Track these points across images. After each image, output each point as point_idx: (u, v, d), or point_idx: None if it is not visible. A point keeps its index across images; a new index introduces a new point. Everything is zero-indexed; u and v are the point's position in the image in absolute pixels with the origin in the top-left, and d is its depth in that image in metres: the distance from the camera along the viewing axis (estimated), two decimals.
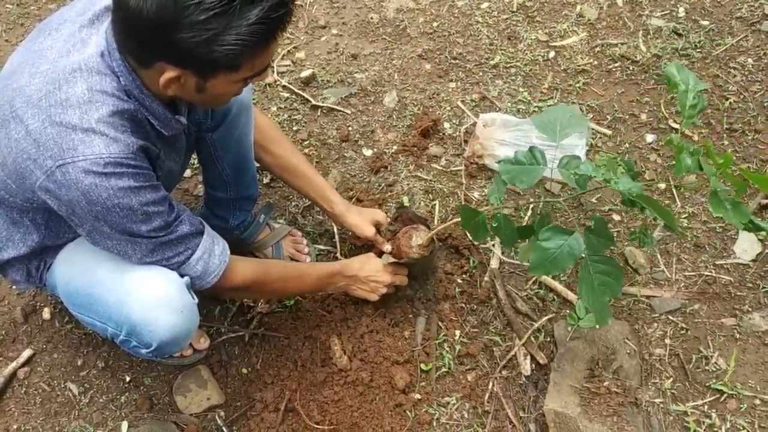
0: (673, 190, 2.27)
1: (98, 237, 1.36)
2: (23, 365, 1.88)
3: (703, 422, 1.78)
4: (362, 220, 1.96)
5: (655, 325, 1.97)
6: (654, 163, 2.34)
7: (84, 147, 1.23)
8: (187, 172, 2.35)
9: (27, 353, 1.89)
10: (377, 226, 2.00)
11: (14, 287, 1.59)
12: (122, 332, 1.45)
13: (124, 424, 1.79)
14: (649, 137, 2.41)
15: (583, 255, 1.39)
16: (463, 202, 2.24)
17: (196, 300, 1.49)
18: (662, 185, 2.28)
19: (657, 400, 1.82)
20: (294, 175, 1.94)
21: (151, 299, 1.41)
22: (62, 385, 1.86)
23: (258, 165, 1.97)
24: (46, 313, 1.98)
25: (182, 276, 1.45)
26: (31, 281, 1.61)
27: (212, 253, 1.48)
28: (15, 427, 1.78)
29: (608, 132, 2.43)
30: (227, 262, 1.51)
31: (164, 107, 1.37)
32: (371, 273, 1.89)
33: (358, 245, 2.15)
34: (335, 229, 2.20)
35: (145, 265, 1.41)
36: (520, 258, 1.64)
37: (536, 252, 1.38)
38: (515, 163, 1.48)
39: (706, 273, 2.07)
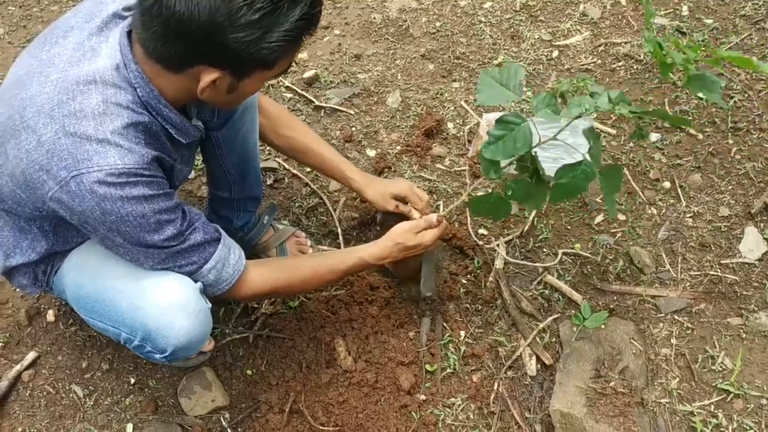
0: (678, 189, 2.26)
1: (111, 245, 1.36)
2: (28, 368, 1.87)
3: (710, 422, 1.78)
4: (381, 196, 1.89)
5: (661, 324, 1.96)
6: (659, 162, 2.33)
7: (99, 158, 1.23)
8: (191, 173, 2.35)
9: (31, 356, 1.89)
10: (400, 198, 1.90)
11: (19, 291, 1.59)
12: (137, 338, 1.44)
13: (129, 426, 1.79)
14: (654, 136, 2.41)
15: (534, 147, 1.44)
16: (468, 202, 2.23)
17: (209, 305, 1.49)
18: (667, 184, 2.28)
19: (663, 401, 1.81)
20: (307, 155, 1.93)
21: (165, 304, 1.40)
22: (67, 388, 1.86)
23: (274, 150, 2.02)
24: (51, 316, 1.97)
25: (195, 282, 1.45)
26: (37, 285, 1.61)
27: (226, 262, 1.47)
28: (20, 429, 1.78)
29: (612, 131, 2.42)
30: (241, 271, 1.51)
31: (181, 116, 1.37)
32: (407, 252, 1.72)
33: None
34: (339, 230, 2.19)
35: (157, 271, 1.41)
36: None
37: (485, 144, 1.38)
38: (496, 140, 1.38)
39: (711, 272, 2.06)
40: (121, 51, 1.28)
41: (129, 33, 1.30)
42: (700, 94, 1.29)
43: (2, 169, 1.35)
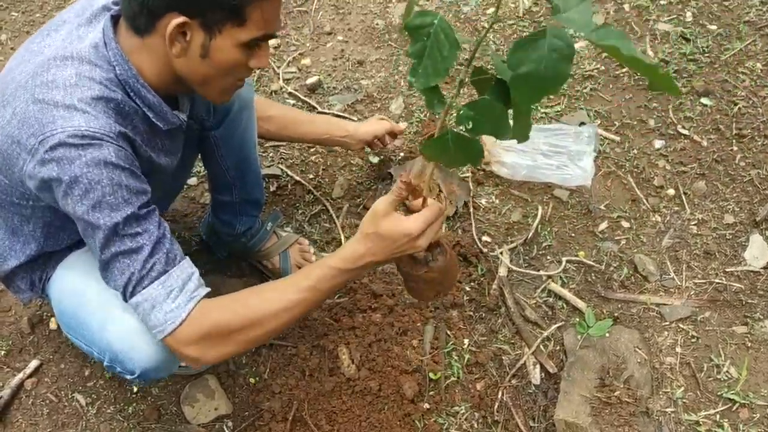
0: (683, 196, 2.25)
1: (71, 218, 1.27)
2: (30, 376, 1.87)
3: None
4: (374, 128, 2.11)
5: (666, 333, 1.96)
6: (663, 169, 2.33)
7: (63, 121, 1.20)
8: (193, 180, 2.35)
9: (34, 364, 1.88)
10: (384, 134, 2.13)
11: (20, 298, 1.58)
12: (105, 358, 1.43)
13: None
14: (658, 143, 2.40)
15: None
16: (471, 209, 2.23)
17: None
18: (671, 191, 2.27)
19: (668, 410, 1.80)
20: (296, 123, 1.98)
21: (129, 327, 1.37)
22: (69, 396, 1.85)
23: (264, 139, 2.06)
24: (53, 323, 1.97)
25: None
26: (35, 291, 1.61)
27: (158, 306, 1.25)
28: None
29: (616, 138, 2.41)
30: (176, 326, 1.25)
31: (161, 98, 1.35)
32: (393, 247, 1.25)
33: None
34: (342, 237, 2.19)
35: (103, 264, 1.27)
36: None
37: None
38: (417, 58, 0.98)
39: (716, 280, 2.05)
40: (103, 32, 1.29)
41: (114, 18, 1.32)
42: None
43: None
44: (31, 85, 1.25)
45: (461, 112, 1.03)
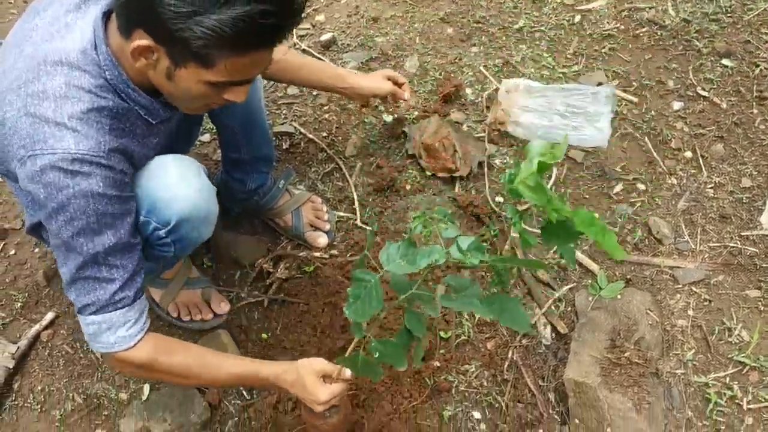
0: (700, 159, 2.22)
1: (49, 232, 1.33)
2: (46, 327, 1.90)
3: (725, 394, 1.77)
4: (378, 82, 2.04)
5: (678, 296, 1.95)
6: (681, 131, 2.29)
7: (54, 141, 1.23)
8: (206, 137, 2.34)
9: (50, 316, 1.91)
10: (391, 79, 2.06)
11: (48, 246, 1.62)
12: (142, 212, 1.41)
13: (146, 387, 1.81)
14: (677, 105, 2.36)
15: None
16: (486, 170, 2.21)
17: (215, 189, 1.52)
18: (689, 154, 2.24)
19: (678, 372, 1.81)
20: (301, 68, 1.95)
21: (170, 173, 1.42)
22: (85, 348, 1.88)
23: (264, 79, 2.04)
24: None
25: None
26: None
27: (113, 329, 1.37)
28: (39, 387, 1.80)
29: (634, 99, 2.38)
30: (123, 349, 1.38)
31: (151, 97, 1.36)
32: (305, 394, 1.49)
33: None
34: (355, 195, 2.18)
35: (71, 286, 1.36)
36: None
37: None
38: (354, 300, 1.27)
39: (731, 244, 2.04)
40: (94, 32, 1.28)
41: (106, 14, 1.30)
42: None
43: None
44: (23, 94, 1.26)
45: (372, 344, 1.35)
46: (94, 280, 1.32)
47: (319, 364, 1.50)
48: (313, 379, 1.48)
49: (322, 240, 2.08)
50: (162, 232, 1.45)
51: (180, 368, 1.45)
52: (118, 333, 1.36)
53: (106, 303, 1.34)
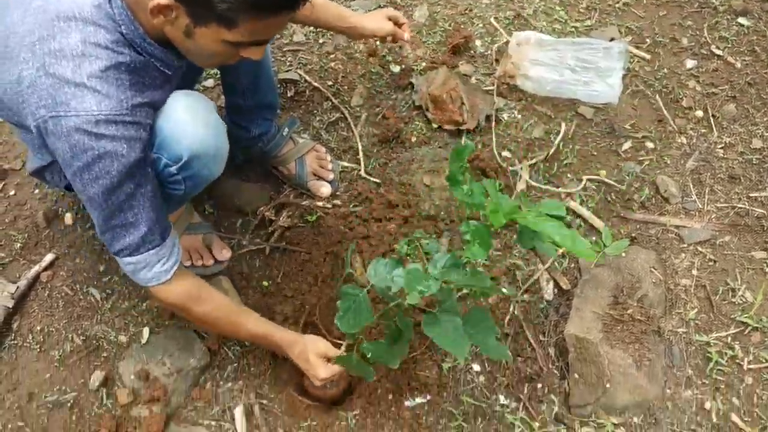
0: (711, 119, 2.19)
1: (73, 184, 1.35)
2: (46, 269, 1.88)
3: (726, 353, 1.77)
4: (380, 22, 1.95)
5: (683, 255, 1.93)
6: (693, 90, 2.25)
7: (76, 102, 1.22)
8: (210, 82, 2.30)
9: (49, 257, 1.89)
10: (392, 20, 1.97)
11: (51, 188, 1.61)
12: (153, 148, 1.41)
13: (146, 330, 1.80)
14: (690, 63, 2.31)
15: None
16: (493, 123, 2.18)
17: (225, 126, 1.52)
18: (700, 113, 2.20)
19: (680, 330, 1.80)
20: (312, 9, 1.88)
21: (180, 111, 1.41)
22: (84, 290, 1.87)
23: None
24: (68, 219, 1.97)
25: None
26: (63, 181, 1.60)
27: (149, 267, 1.45)
28: (38, 328, 1.80)
29: (647, 56, 2.33)
30: (161, 282, 1.47)
31: (168, 51, 1.34)
32: (307, 367, 1.63)
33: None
34: (360, 146, 2.15)
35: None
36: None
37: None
38: (344, 313, 1.39)
39: (739, 205, 2.01)
40: None
41: None
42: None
43: None
44: (39, 53, 1.23)
45: (364, 345, 1.45)
46: (122, 228, 1.37)
47: (324, 345, 1.63)
48: (315, 357, 1.61)
49: (326, 189, 2.06)
50: (173, 169, 1.44)
51: (205, 318, 1.56)
52: (155, 269, 1.44)
53: (137, 246, 1.40)
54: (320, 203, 2.04)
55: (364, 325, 1.40)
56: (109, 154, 1.26)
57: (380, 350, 1.47)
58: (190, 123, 1.41)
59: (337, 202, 2.06)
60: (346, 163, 2.14)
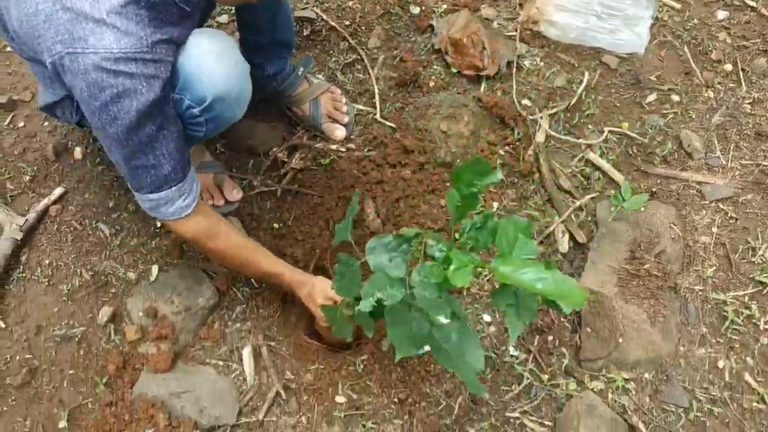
0: (740, 73, 2.11)
1: (88, 121, 1.33)
2: (55, 202, 1.85)
3: (742, 313, 1.74)
4: None
5: (704, 212, 1.89)
6: (723, 42, 2.17)
7: (94, 39, 1.20)
8: (224, 18, 2.24)
9: (59, 191, 1.86)
10: None
11: (63, 123, 1.58)
12: (175, 89, 1.39)
13: (155, 268, 1.79)
14: (721, 14, 2.23)
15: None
16: (514, 70, 2.11)
17: (249, 66, 1.49)
18: (729, 67, 2.13)
19: (697, 287, 1.77)
20: None
21: (204, 50, 1.38)
22: (93, 225, 1.84)
23: None
24: (78, 153, 1.94)
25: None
26: (79, 114, 1.57)
27: (171, 202, 1.44)
28: (47, 262, 1.78)
29: (677, 5, 2.24)
30: (180, 218, 1.48)
31: None
32: (315, 309, 1.64)
33: None
34: (376, 89, 2.09)
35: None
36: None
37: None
38: (340, 278, 1.33)
39: (764, 163, 1.96)
40: None
41: None
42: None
43: (8, 24, 1.36)
44: None
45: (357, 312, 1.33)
46: (143, 168, 1.36)
47: (331, 290, 1.56)
48: (324, 299, 1.61)
49: (340, 132, 2.01)
50: (196, 111, 1.41)
51: (220, 254, 1.58)
52: (176, 204, 1.44)
53: (160, 184, 1.39)
54: (334, 146, 2.00)
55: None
56: (128, 92, 1.23)
57: (363, 318, 1.39)
58: (214, 64, 1.38)
59: (351, 145, 2.01)
60: (361, 107, 2.09)
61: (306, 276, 1.67)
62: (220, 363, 1.70)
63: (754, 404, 1.64)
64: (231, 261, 1.62)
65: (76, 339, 1.69)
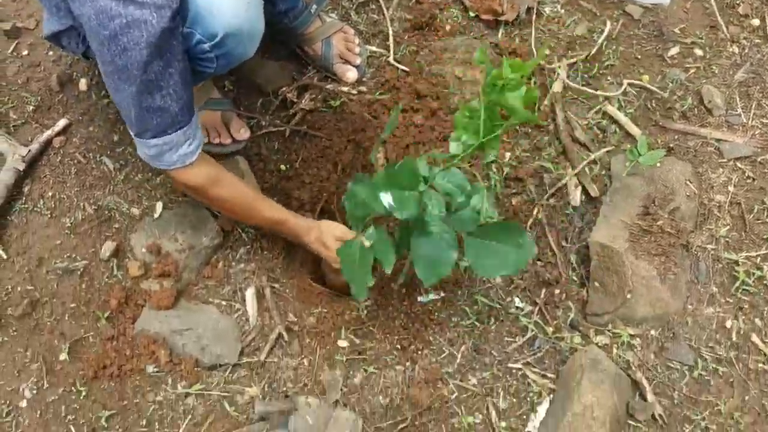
0: (767, 29, 2.04)
1: (97, 57, 1.29)
2: (59, 134, 1.81)
3: (753, 273, 1.71)
4: None
5: (721, 170, 1.84)
6: None
7: None
8: None
9: (62, 122, 1.82)
10: None
11: (66, 53, 1.53)
12: (186, 23, 1.34)
13: (159, 205, 1.76)
14: None
15: None
16: (534, 17, 2.05)
17: (262, 1, 1.44)
18: (756, 22, 2.06)
19: (709, 246, 1.74)
20: None
21: None
22: (97, 159, 1.81)
23: None
24: (83, 84, 1.89)
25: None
26: (85, 44, 1.53)
27: (175, 148, 1.41)
28: (50, 194, 1.75)
29: None
30: (185, 165, 1.45)
31: None
32: (325, 250, 1.63)
33: None
34: (390, 31, 2.03)
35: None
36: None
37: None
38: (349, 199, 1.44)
39: None
40: None
41: None
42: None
43: None
44: None
45: (369, 231, 1.46)
46: (150, 110, 1.33)
47: (341, 230, 1.61)
48: (333, 240, 1.59)
49: (351, 74, 1.96)
50: (206, 46, 1.36)
51: (222, 202, 1.57)
52: (180, 150, 1.41)
53: (166, 126, 1.36)
54: (345, 88, 1.95)
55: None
56: (137, 22, 1.19)
57: (381, 244, 1.44)
58: None
59: (363, 88, 1.96)
60: (374, 48, 2.03)
61: (311, 221, 1.67)
62: (223, 303, 1.69)
63: (760, 365, 1.63)
64: (234, 208, 1.60)
65: (78, 273, 1.67)
